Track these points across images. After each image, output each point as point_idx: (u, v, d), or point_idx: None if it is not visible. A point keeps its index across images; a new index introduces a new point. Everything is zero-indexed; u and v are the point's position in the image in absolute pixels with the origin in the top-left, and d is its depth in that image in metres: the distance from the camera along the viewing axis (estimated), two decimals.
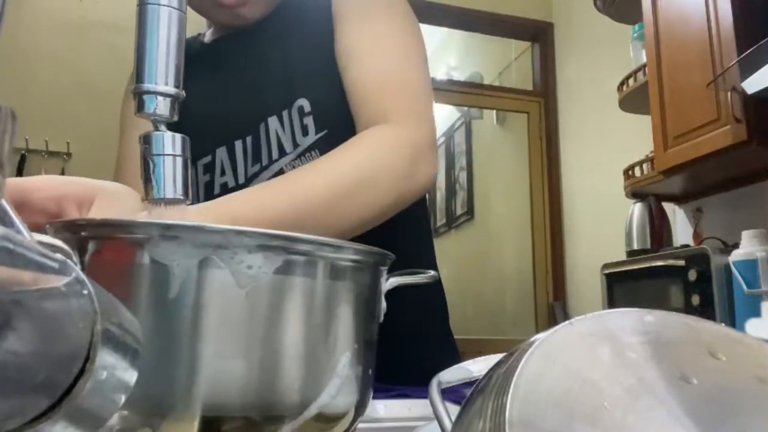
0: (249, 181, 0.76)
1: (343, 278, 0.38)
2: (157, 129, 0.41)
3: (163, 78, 0.40)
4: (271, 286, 0.34)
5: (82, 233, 0.35)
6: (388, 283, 0.44)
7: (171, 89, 0.40)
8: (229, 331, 0.33)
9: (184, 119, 0.84)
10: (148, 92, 0.40)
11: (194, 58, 0.88)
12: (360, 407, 0.39)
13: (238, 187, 0.76)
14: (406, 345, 0.76)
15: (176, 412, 0.32)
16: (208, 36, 0.91)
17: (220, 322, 0.33)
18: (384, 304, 0.43)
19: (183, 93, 0.41)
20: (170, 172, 0.41)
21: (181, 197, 0.42)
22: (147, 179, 0.41)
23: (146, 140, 0.42)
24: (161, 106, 0.40)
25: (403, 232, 0.76)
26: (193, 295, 0.33)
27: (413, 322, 0.77)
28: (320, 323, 0.36)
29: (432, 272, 0.47)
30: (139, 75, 0.40)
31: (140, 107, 0.40)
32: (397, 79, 0.73)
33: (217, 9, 0.78)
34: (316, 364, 0.36)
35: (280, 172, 0.74)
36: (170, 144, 0.42)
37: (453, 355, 0.87)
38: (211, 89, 0.82)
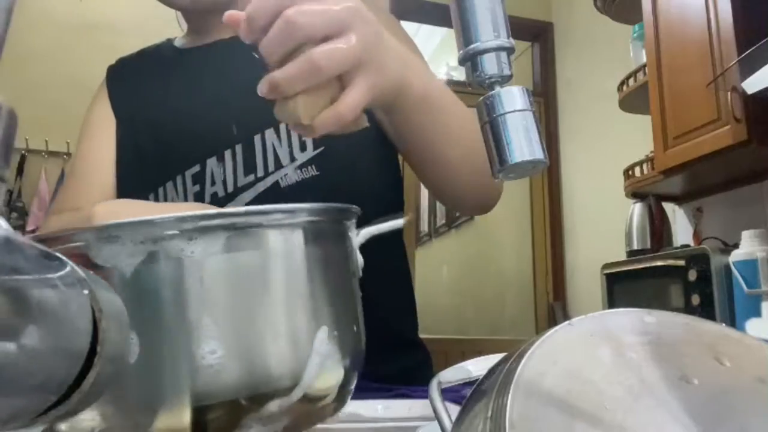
0: (239, 191, 0.76)
1: (304, 242, 0.36)
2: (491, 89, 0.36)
3: (493, 32, 0.35)
4: (225, 266, 0.33)
5: None
6: (360, 236, 0.42)
7: (506, 41, 0.35)
8: (194, 319, 0.32)
9: (169, 126, 0.82)
10: (484, 51, 0.34)
11: (172, 63, 0.87)
12: (354, 364, 0.38)
13: (227, 196, 0.75)
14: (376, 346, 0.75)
15: (162, 406, 0.32)
16: (182, 42, 0.89)
17: (182, 312, 0.32)
18: (360, 259, 0.41)
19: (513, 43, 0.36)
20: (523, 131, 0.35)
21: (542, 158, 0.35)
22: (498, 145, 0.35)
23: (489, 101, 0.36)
24: (498, 63, 0.35)
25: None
26: (147, 292, 0.32)
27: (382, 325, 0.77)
28: (292, 291, 0.35)
29: (404, 217, 0.44)
30: (466, 35, 0.35)
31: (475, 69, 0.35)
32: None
33: None
34: (296, 331, 0.35)
35: (276, 184, 0.74)
36: (520, 98, 0.35)
37: (425, 359, 0.86)
38: (199, 96, 0.81)
